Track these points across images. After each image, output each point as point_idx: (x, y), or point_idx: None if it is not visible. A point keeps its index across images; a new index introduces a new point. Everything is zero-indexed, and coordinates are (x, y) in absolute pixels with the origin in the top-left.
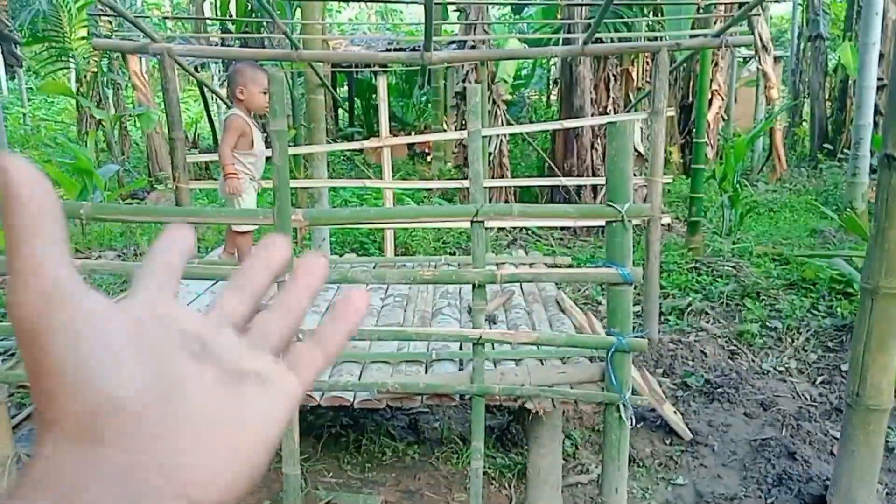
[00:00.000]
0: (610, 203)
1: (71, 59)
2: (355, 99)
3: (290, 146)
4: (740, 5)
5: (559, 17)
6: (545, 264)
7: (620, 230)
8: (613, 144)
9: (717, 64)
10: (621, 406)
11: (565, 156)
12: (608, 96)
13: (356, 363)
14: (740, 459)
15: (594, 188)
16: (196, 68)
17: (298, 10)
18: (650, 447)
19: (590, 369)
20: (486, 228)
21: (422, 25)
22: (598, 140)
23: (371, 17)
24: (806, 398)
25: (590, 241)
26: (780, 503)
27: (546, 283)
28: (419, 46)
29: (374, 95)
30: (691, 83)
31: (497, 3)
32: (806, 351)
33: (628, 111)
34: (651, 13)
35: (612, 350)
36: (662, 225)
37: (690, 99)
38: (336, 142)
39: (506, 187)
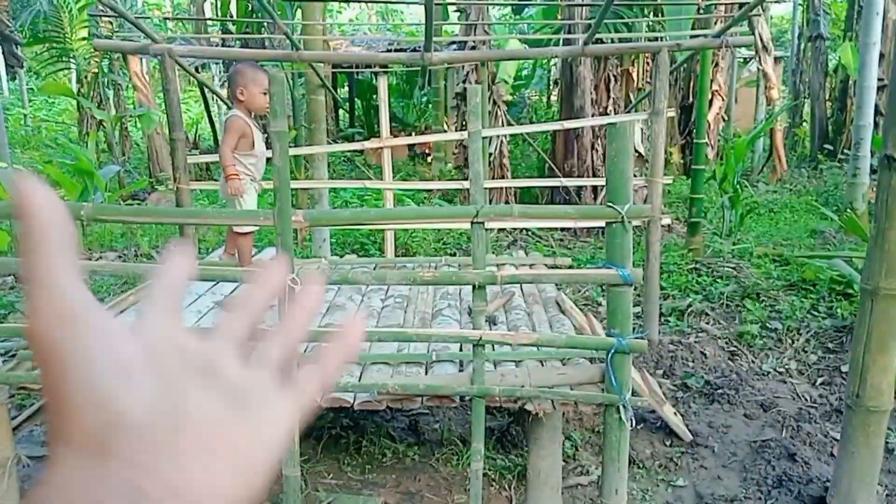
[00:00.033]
0: (610, 204)
1: (72, 60)
2: (356, 99)
3: (290, 147)
4: (740, 6)
5: (559, 17)
6: (545, 265)
7: (620, 231)
8: (614, 145)
9: (717, 64)
10: (621, 407)
11: (566, 156)
12: (608, 97)
13: (356, 364)
14: (740, 461)
15: (594, 189)
16: (197, 69)
17: (299, 11)
18: (650, 448)
19: (590, 371)
20: (487, 229)
21: (422, 26)
22: (599, 141)
23: (371, 17)
24: (806, 399)
25: (590, 242)
26: None
27: (546, 284)
28: (420, 47)
29: (374, 96)
30: (692, 84)
31: (497, 4)
32: (806, 352)
33: (629, 112)
34: (651, 13)
35: (612, 351)
36: (662, 226)
37: (691, 99)
38: (336, 142)
39: (506, 188)
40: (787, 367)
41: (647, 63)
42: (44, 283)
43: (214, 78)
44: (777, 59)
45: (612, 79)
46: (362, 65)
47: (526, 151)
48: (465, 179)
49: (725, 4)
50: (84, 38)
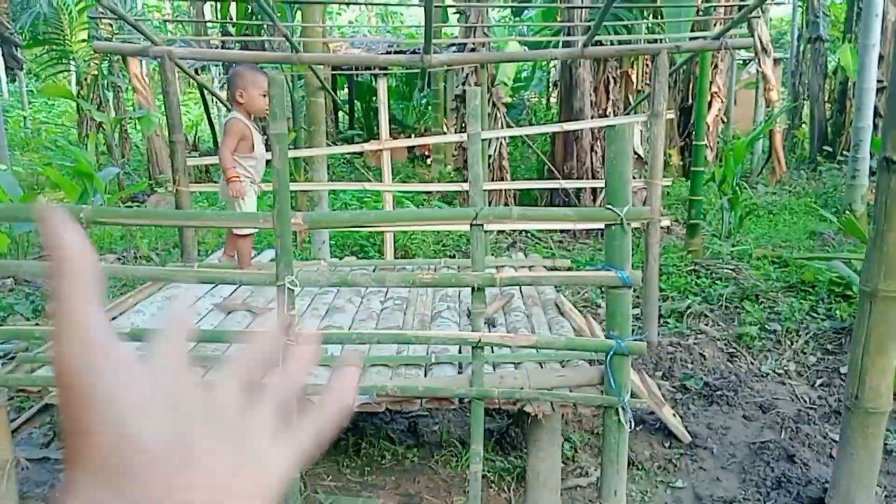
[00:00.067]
0: (609, 206)
1: (71, 62)
2: (355, 102)
3: (290, 149)
4: (740, 8)
5: (559, 19)
6: (545, 267)
7: (620, 233)
8: (613, 147)
9: (716, 66)
10: (620, 409)
11: (565, 158)
12: (608, 99)
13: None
14: (739, 462)
15: (594, 191)
16: (196, 71)
17: (299, 13)
18: (649, 450)
19: (589, 372)
20: (486, 231)
21: (422, 28)
22: (598, 143)
23: (371, 19)
24: (805, 401)
25: (589, 244)
26: None
27: (545, 286)
28: (419, 49)
29: (374, 98)
30: (691, 85)
31: (497, 6)
32: (805, 353)
33: (628, 114)
34: (651, 15)
35: (612, 353)
36: (662, 227)
37: (690, 101)
38: (336, 144)
39: (505, 190)
40: (785, 368)
41: (647, 65)
42: (71, 317)
43: (214, 80)
44: (776, 61)
45: (612, 81)
46: (362, 67)
47: (525, 153)
48: (465, 181)
49: (724, 6)
50: (84, 41)
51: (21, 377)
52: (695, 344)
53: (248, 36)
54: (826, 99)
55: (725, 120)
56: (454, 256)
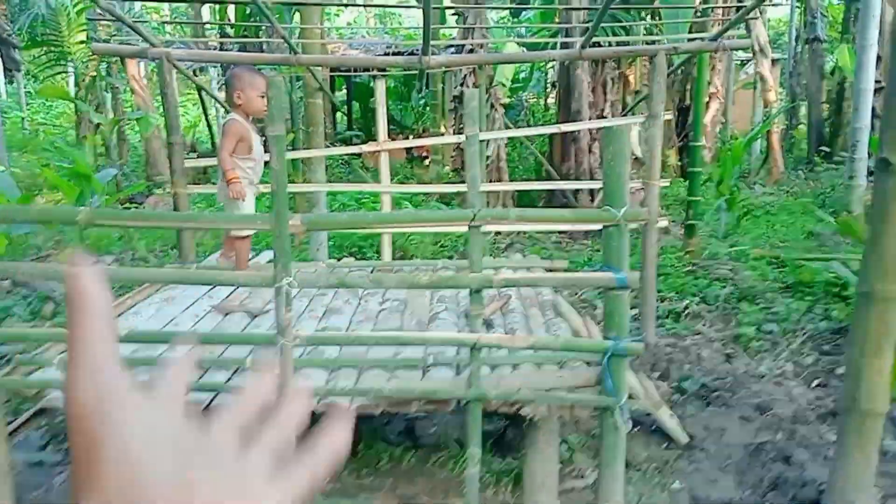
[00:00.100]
0: (607, 207)
1: (70, 63)
2: (353, 103)
3: (288, 150)
4: (738, 9)
5: (557, 20)
6: (542, 268)
7: (617, 234)
8: (610, 148)
9: (714, 67)
10: (618, 410)
11: (563, 159)
12: (606, 100)
13: (353, 368)
14: (736, 463)
15: (591, 192)
16: (195, 72)
17: (297, 15)
18: (646, 451)
19: (586, 374)
20: (484, 232)
21: (420, 29)
22: (596, 144)
23: (369, 20)
24: (802, 402)
25: (587, 245)
26: None
27: (543, 287)
28: (417, 50)
29: (372, 99)
30: (689, 86)
31: (495, 8)
32: (802, 354)
33: (626, 115)
34: (649, 17)
35: (609, 354)
36: (659, 228)
37: (688, 102)
38: (334, 146)
39: (503, 191)
40: (783, 369)
41: (645, 66)
42: (86, 354)
43: (212, 81)
44: (774, 62)
45: (610, 82)
46: (360, 68)
47: (523, 154)
48: (463, 182)
49: (722, 7)
50: (82, 42)
51: (18, 380)
52: (692, 345)
53: (246, 37)
54: (823, 99)
55: (723, 120)
56: (452, 257)
